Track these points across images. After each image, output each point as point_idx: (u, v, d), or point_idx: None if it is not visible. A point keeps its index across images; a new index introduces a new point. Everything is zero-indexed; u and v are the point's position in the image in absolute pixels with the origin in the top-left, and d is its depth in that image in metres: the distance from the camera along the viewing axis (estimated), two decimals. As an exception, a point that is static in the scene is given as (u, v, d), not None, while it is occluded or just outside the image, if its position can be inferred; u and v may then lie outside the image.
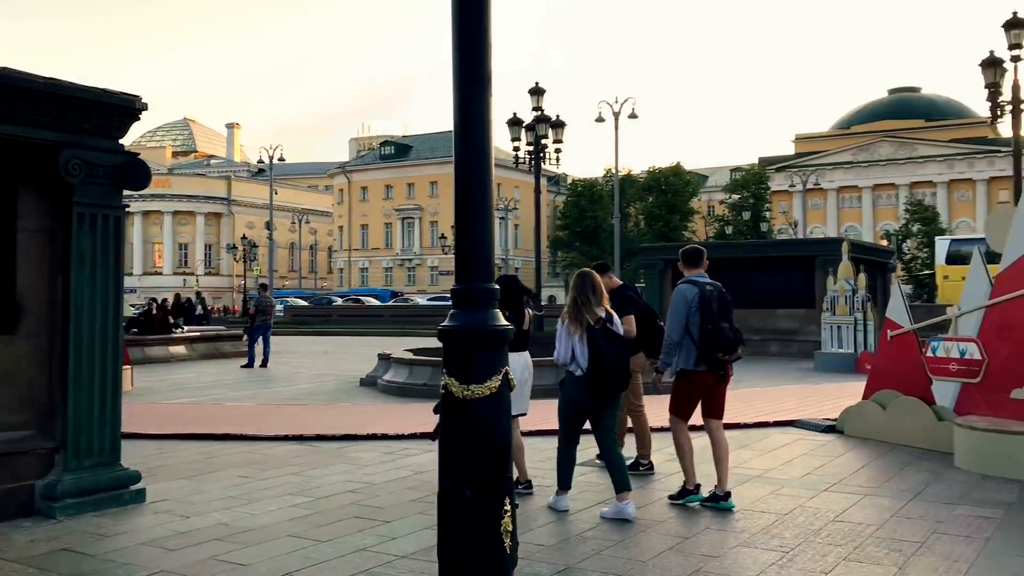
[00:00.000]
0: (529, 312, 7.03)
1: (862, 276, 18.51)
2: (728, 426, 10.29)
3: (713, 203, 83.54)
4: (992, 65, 20.28)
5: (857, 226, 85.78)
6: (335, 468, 7.99)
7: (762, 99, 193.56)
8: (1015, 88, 19.91)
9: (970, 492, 6.90)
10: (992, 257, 8.57)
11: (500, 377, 4.12)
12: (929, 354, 8.79)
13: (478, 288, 4.15)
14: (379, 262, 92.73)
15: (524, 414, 6.79)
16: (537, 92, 25.93)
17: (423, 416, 7.68)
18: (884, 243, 57.51)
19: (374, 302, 62.23)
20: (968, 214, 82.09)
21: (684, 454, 6.58)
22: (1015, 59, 19.88)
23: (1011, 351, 8.03)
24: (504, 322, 4.21)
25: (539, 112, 26.05)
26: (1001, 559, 5.19)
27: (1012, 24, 19.89)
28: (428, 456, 8.04)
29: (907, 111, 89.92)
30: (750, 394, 13.46)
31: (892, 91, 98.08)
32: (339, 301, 61.92)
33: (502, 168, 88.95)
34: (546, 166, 26.35)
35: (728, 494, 6.42)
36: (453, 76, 4.23)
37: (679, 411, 6.58)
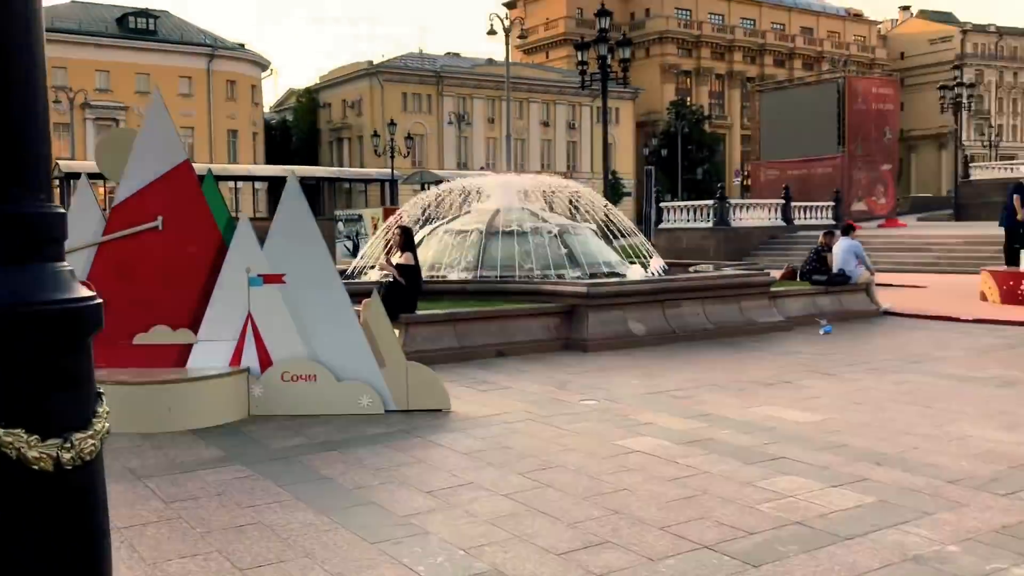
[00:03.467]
0: None
1: None
2: None
3: None
4: None
5: None
6: None
7: None
8: None
9: (177, 457, 6.01)
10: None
11: (106, 411, 1.84)
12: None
13: (26, 213, 1.74)
14: None
15: None
16: None
17: None
18: None
19: None
20: None
21: None
22: None
23: (132, 294, 7.20)
24: (85, 288, 1.87)
25: None
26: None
27: None
28: None
29: None
30: None
31: None
32: None
33: None
34: None
35: None
36: None
37: None
